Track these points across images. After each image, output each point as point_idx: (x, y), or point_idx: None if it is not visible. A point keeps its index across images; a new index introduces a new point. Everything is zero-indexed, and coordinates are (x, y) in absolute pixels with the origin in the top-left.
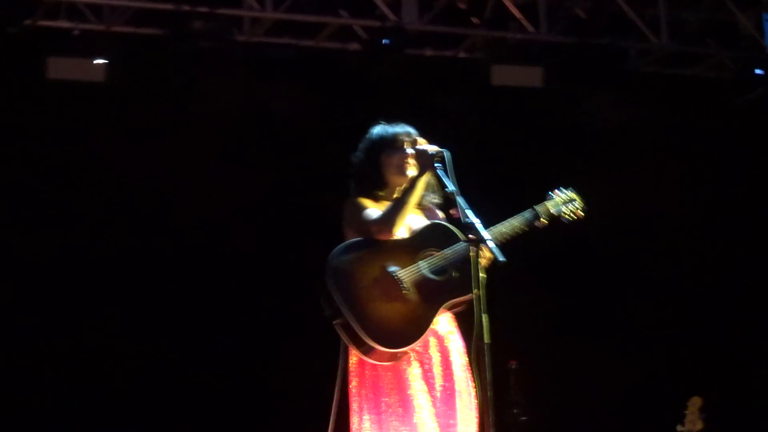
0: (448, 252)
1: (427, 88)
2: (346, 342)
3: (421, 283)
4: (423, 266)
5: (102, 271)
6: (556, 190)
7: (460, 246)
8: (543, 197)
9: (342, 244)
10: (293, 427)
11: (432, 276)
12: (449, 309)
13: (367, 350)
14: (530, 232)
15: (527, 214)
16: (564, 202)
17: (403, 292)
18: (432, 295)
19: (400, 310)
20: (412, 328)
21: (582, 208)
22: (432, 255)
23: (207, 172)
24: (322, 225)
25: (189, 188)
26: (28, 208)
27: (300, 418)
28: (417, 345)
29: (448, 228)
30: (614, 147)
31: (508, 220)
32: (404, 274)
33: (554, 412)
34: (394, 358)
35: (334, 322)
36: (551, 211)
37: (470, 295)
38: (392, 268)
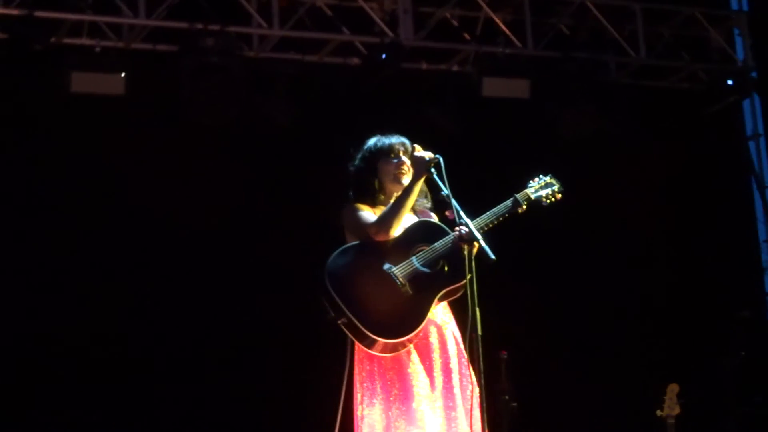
0: (438, 245)
1: (422, 99)
2: (352, 338)
3: (415, 277)
4: (415, 261)
5: (119, 275)
6: (536, 177)
7: (448, 239)
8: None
9: (338, 250)
10: (302, 418)
11: (424, 269)
12: (445, 298)
13: (370, 343)
14: (519, 225)
15: (508, 202)
16: (542, 187)
17: (399, 286)
18: (426, 286)
19: (398, 304)
20: (411, 319)
21: (560, 190)
22: (423, 250)
23: (213, 178)
24: (322, 230)
25: (196, 194)
26: (53, 210)
27: (309, 409)
28: (419, 334)
29: (435, 224)
30: (593, 154)
31: (492, 210)
32: (398, 270)
33: (542, 399)
34: (396, 348)
35: (338, 322)
36: (531, 196)
37: (460, 282)
38: (387, 266)
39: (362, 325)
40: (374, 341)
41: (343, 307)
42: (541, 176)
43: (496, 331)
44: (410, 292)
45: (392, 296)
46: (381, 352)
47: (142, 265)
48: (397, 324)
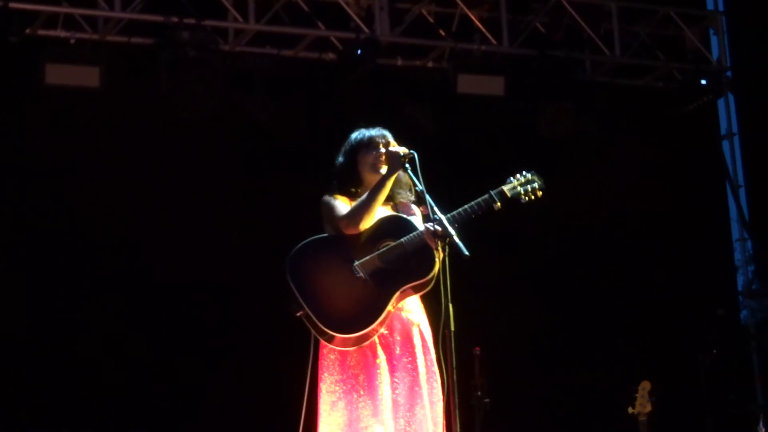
0: (405, 240)
1: (397, 95)
2: (312, 331)
3: (377, 272)
4: (379, 256)
5: (95, 269)
6: (518, 174)
7: (414, 234)
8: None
9: (302, 242)
10: (268, 414)
11: (387, 264)
12: (411, 294)
13: (328, 338)
14: (494, 222)
15: (483, 198)
16: (521, 184)
17: (360, 280)
18: (387, 281)
19: (357, 298)
20: (367, 314)
21: (540, 187)
22: (388, 244)
23: (190, 172)
24: (299, 222)
25: (171, 188)
26: (25, 203)
27: (274, 405)
28: (378, 328)
29: (405, 219)
30: (568, 151)
31: (466, 206)
32: (360, 264)
33: (515, 396)
34: (357, 342)
35: (297, 314)
36: (507, 194)
37: (424, 279)
38: (350, 259)
39: (317, 319)
40: (330, 336)
41: (300, 299)
42: (524, 172)
43: (469, 327)
44: (371, 286)
45: (352, 290)
46: (340, 346)
47: (114, 259)
48: (354, 318)
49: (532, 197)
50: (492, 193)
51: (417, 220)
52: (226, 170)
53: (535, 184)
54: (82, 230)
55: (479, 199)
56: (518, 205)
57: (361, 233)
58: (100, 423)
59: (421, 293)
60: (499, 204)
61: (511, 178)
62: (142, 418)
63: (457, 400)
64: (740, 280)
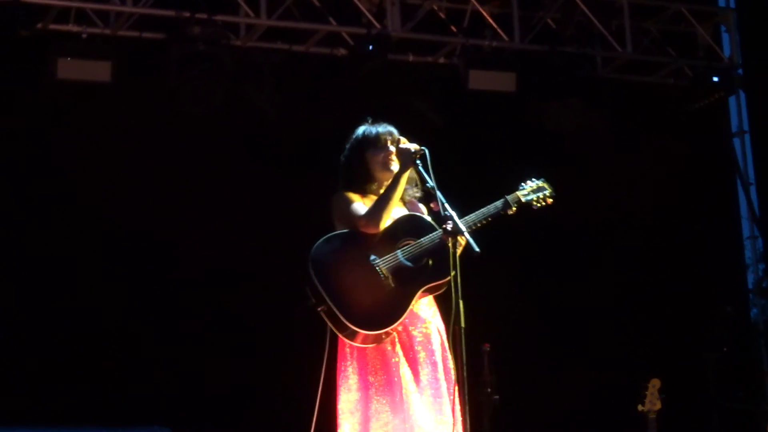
0: (424, 241)
1: (409, 91)
2: (332, 327)
3: (398, 270)
4: (400, 254)
5: (104, 262)
6: (528, 181)
7: (435, 235)
8: (513, 191)
9: (323, 237)
10: (283, 410)
11: (408, 263)
12: (429, 293)
13: (349, 334)
14: (503, 220)
15: (499, 203)
16: (533, 191)
17: (381, 278)
18: (409, 281)
19: (379, 296)
20: (390, 312)
21: (551, 195)
22: (409, 244)
23: (199, 167)
24: (308, 218)
25: (181, 182)
26: (36, 199)
27: (287, 400)
28: (397, 327)
29: (424, 219)
30: (579, 148)
31: (481, 209)
32: (382, 262)
33: (524, 393)
34: (377, 340)
35: (318, 309)
36: (522, 200)
37: (444, 279)
38: (371, 257)
39: (341, 315)
40: (353, 332)
41: (324, 295)
42: (533, 179)
43: (479, 323)
44: (392, 285)
45: (374, 288)
46: (361, 342)
47: (126, 254)
48: (377, 316)
49: (543, 204)
50: (507, 198)
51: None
52: (235, 165)
53: (546, 192)
54: (93, 224)
55: (494, 204)
56: (533, 211)
57: (379, 232)
58: (112, 416)
59: (437, 293)
60: (514, 209)
61: (523, 185)
62: (156, 411)
63: (466, 398)
64: (750, 278)
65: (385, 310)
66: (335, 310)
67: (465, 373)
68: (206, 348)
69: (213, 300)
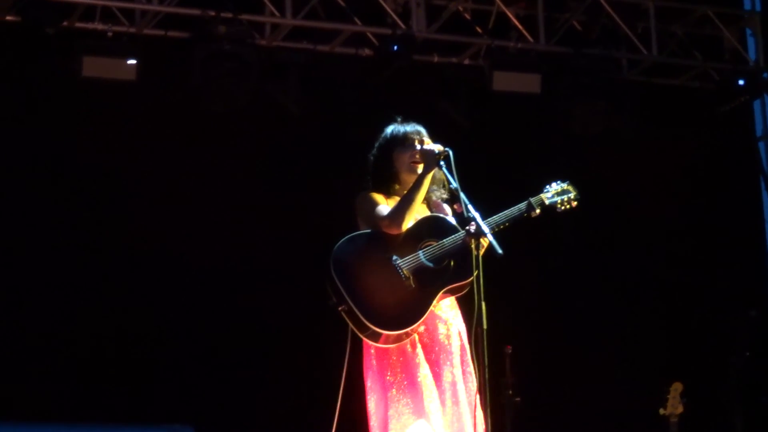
0: (446, 242)
1: (433, 92)
2: (352, 327)
3: (420, 271)
4: (422, 255)
5: (127, 259)
6: (553, 183)
7: (457, 237)
8: (537, 194)
9: (346, 237)
10: (306, 409)
11: (430, 264)
12: (450, 295)
13: (370, 335)
14: (527, 222)
15: (522, 205)
16: (558, 194)
17: (403, 279)
18: (430, 282)
19: (400, 296)
20: (410, 313)
21: (576, 198)
22: (431, 245)
23: (223, 165)
24: (332, 218)
25: (205, 182)
26: (60, 195)
27: (312, 400)
28: (418, 328)
29: (447, 220)
30: (603, 150)
31: (505, 211)
32: (404, 263)
33: (545, 395)
34: (398, 340)
35: (338, 309)
36: (546, 202)
37: (465, 281)
38: (393, 258)
39: (361, 315)
40: (373, 332)
41: (345, 294)
42: (558, 182)
43: (501, 325)
44: (413, 285)
45: (395, 288)
46: (382, 343)
47: (147, 253)
48: (397, 316)
49: (568, 207)
50: (531, 200)
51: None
52: (259, 164)
53: (571, 195)
54: (117, 222)
55: (517, 206)
56: (557, 214)
57: (403, 231)
58: (136, 414)
59: (458, 295)
60: (538, 211)
61: (548, 187)
62: (179, 410)
63: (488, 399)
64: None
65: (405, 311)
66: (355, 309)
67: (487, 375)
68: (229, 347)
69: (237, 299)
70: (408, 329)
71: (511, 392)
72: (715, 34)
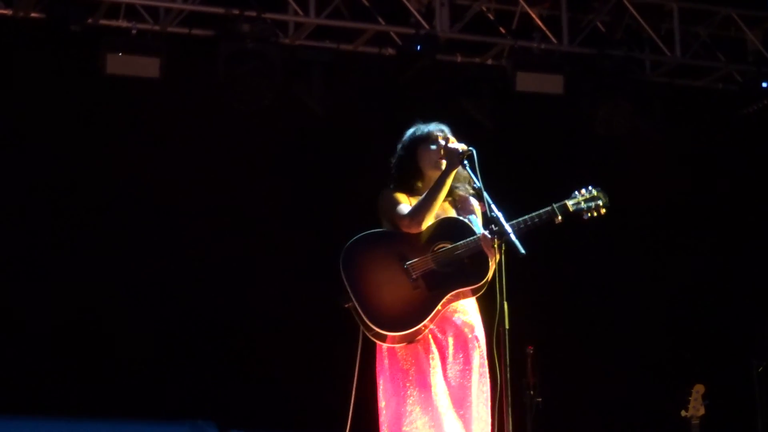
0: (459, 245)
1: (456, 92)
2: (359, 324)
3: (429, 273)
4: (433, 258)
5: (148, 252)
6: (582, 188)
7: (470, 240)
8: (559, 194)
9: (359, 235)
10: (324, 403)
11: (441, 267)
12: (462, 297)
13: (375, 335)
14: (550, 227)
15: (543, 212)
16: (585, 200)
17: (411, 280)
18: (437, 284)
19: (406, 297)
20: (415, 314)
21: (605, 205)
22: (444, 247)
23: (246, 164)
24: (354, 215)
25: (228, 179)
26: (85, 191)
27: (331, 395)
28: (423, 329)
29: (463, 222)
30: (626, 151)
31: (528, 215)
32: (414, 264)
33: (567, 396)
34: (404, 339)
35: (345, 306)
36: (570, 209)
37: (472, 285)
38: (404, 258)
39: (363, 313)
40: (377, 333)
41: (350, 292)
42: (589, 187)
43: (523, 325)
44: (421, 287)
45: (402, 289)
46: (390, 343)
47: (171, 247)
48: (400, 317)
49: (595, 214)
50: (554, 206)
51: (476, 216)
52: (283, 162)
53: (600, 201)
54: (141, 218)
55: (540, 211)
56: (583, 221)
57: (416, 233)
58: (157, 409)
59: (476, 296)
60: (560, 218)
61: (576, 193)
62: (201, 405)
63: (509, 399)
64: None
65: (409, 313)
66: (359, 309)
67: (508, 375)
68: (250, 342)
69: (257, 295)
70: (410, 331)
71: (532, 392)
72: (739, 35)
